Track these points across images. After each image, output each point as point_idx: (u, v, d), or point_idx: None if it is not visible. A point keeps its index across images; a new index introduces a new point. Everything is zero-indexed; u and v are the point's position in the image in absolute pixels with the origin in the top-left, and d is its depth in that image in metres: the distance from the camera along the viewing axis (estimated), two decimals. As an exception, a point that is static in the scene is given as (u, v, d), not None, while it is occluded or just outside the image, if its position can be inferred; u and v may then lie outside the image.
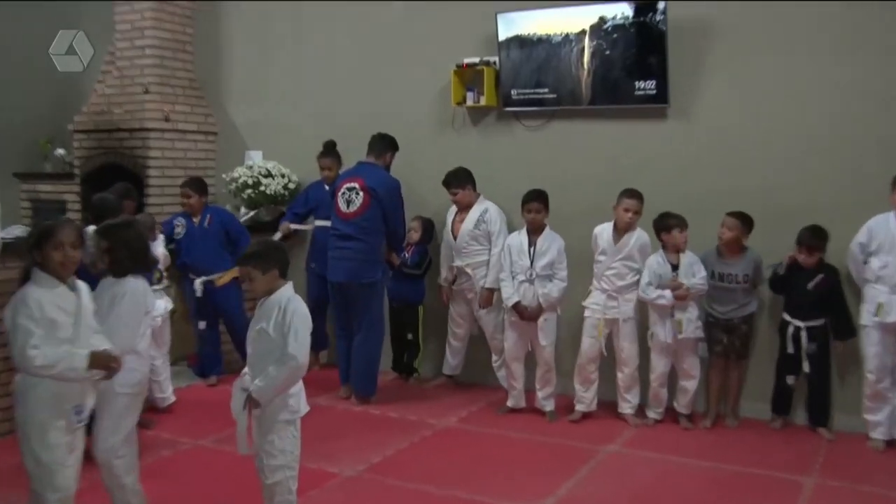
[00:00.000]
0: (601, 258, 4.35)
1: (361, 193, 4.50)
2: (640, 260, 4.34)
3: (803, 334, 4.30)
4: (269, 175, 5.49)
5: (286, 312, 2.81)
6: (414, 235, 5.07)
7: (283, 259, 2.91)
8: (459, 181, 4.83)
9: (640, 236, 4.37)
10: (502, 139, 5.13)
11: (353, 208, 4.52)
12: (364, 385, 4.69)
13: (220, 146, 6.06)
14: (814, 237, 4.23)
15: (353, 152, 5.12)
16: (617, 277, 4.35)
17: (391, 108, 5.41)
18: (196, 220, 4.97)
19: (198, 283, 4.82)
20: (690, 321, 4.32)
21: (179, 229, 4.96)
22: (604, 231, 4.36)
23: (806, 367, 4.32)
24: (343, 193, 4.56)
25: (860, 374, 4.25)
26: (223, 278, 4.84)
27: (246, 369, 2.92)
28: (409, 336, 5.13)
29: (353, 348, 4.69)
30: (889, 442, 4.21)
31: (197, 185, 5.00)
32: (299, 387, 2.90)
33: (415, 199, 5.19)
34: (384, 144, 4.70)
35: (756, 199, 4.49)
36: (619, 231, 4.35)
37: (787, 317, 4.40)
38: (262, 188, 5.46)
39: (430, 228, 5.14)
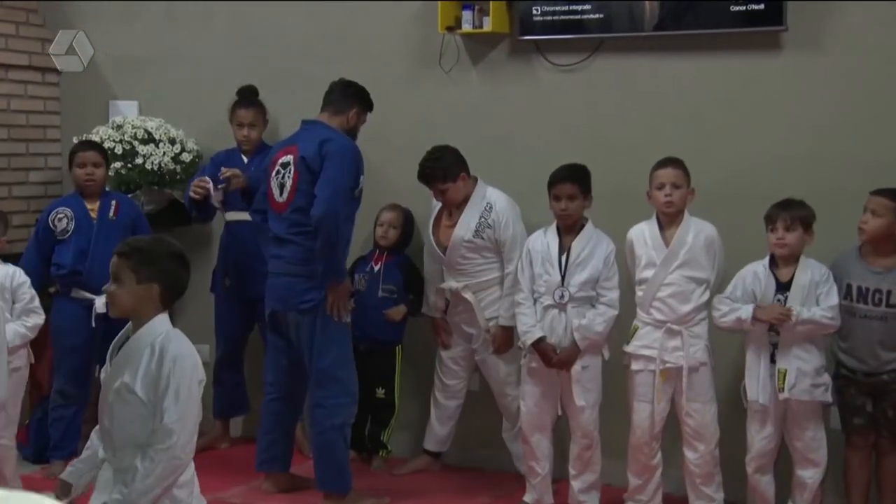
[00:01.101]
0: (646, 274, 4.36)
1: (292, 170, 4.44)
2: (710, 264, 4.34)
3: None
4: (149, 140, 5.43)
5: (163, 360, 2.87)
6: (390, 235, 5.06)
7: (177, 275, 3.01)
8: (447, 171, 4.76)
9: (700, 227, 4.34)
10: (518, 85, 5.06)
11: (284, 196, 4.46)
12: (329, 475, 4.53)
13: (68, 93, 5.97)
14: None
15: (288, 109, 5.23)
16: (678, 300, 4.30)
17: (345, 36, 5.35)
18: (93, 208, 5.00)
19: (100, 303, 4.79)
20: (805, 373, 4.15)
21: (64, 223, 4.96)
22: (642, 233, 4.41)
23: None
24: (276, 174, 4.51)
25: None
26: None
27: (88, 453, 3.05)
28: (381, 392, 5.10)
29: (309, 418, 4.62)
30: None
31: (102, 149, 5.09)
32: (190, 473, 2.97)
33: (382, 180, 5.17)
34: (346, 96, 4.59)
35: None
36: (665, 225, 4.34)
37: None
38: (140, 160, 5.38)
39: (411, 223, 5.16)
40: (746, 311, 4.14)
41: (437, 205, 4.92)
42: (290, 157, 4.46)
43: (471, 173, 4.81)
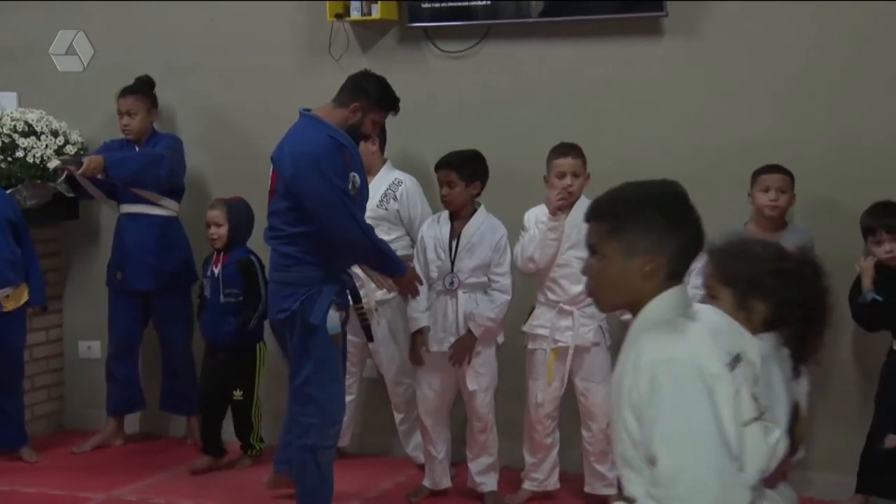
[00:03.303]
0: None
1: (271, 171, 4.11)
2: None
3: None
4: (30, 132, 5.23)
5: None
6: (219, 234, 4.84)
7: None
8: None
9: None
10: (408, 72, 5.00)
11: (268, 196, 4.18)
12: (301, 496, 4.15)
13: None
14: (887, 213, 4.17)
15: (181, 99, 5.22)
16: (570, 280, 4.30)
17: (234, 25, 5.28)
18: None
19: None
20: None
21: None
22: (536, 216, 4.41)
23: None
24: (274, 170, 4.17)
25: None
26: (11, 300, 4.89)
27: None
28: (238, 394, 4.92)
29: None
30: None
31: None
32: None
33: (266, 179, 4.99)
34: (353, 88, 4.10)
35: (800, 158, 4.38)
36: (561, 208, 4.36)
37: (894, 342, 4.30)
38: (21, 154, 5.16)
39: (243, 218, 4.88)
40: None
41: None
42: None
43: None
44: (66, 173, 4.94)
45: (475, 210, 4.43)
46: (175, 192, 5.10)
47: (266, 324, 4.68)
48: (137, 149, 5.08)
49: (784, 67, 4.43)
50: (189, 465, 4.87)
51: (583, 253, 4.12)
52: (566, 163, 4.28)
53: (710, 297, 2.38)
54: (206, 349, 4.96)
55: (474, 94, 4.93)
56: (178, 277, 5.12)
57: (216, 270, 4.81)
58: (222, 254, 4.81)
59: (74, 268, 5.50)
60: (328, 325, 3.95)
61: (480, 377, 4.42)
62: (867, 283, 4.15)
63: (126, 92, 5.10)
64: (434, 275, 4.41)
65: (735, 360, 2.02)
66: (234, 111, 5.24)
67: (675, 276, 2.07)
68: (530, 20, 4.79)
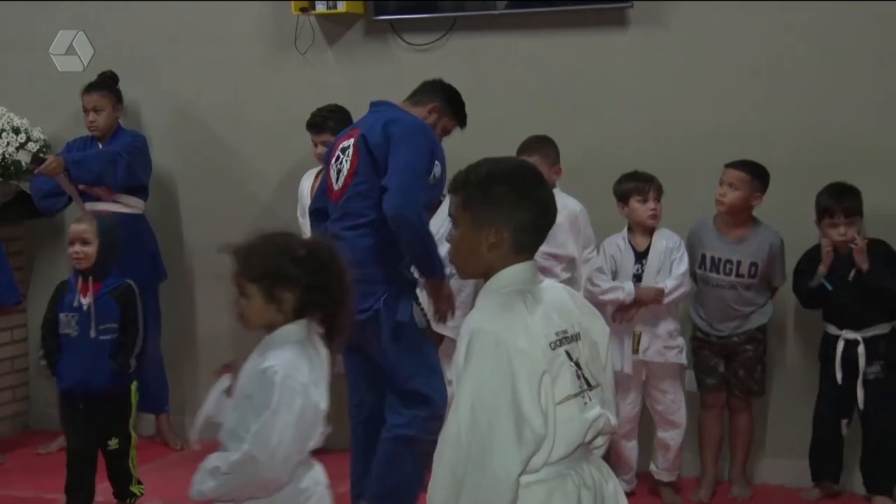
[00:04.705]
0: None
1: (351, 153, 3.80)
2: (573, 241, 4.37)
3: (860, 350, 4.22)
4: None
5: None
6: (85, 254, 3.91)
7: None
8: (340, 124, 4.58)
9: (564, 203, 4.18)
10: (375, 66, 5.04)
11: (340, 182, 3.83)
12: (381, 490, 3.83)
13: None
14: (846, 196, 4.19)
15: (147, 95, 5.21)
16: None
17: (199, 20, 5.26)
18: None
19: None
20: (658, 336, 4.29)
21: None
22: None
23: (860, 400, 4.25)
24: (336, 161, 3.88)
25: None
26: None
27: None
28: (114, 443, 4.04)
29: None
30: None
31: None
32: None
33: (237, 172, 5.14)
34: (431, 90, 4.02)
35: (769, 148, 4.43)
36: None
37: (831, 328, 4.31)
38: None
39: (116, 236, 4.08)
40: (628, 294, 4.21)
41: (311, 172, 4.84)
42: (350, 141, 3.86)
43: None
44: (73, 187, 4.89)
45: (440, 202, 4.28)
46: (139, 189, 5.05)
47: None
48: (101, 146, 5.04)
49: (749, 57, 4.47)
50: (158, 464, 4.82)
51: (549, 248, 4.17)
52: (533, 158, 4.20)
53: (243, 296, 2.48)
54: (63, 397, 4.01)
55: None
56: (146, 275, 5.08)
57: (85, 301, 3.90)
58: (91, 281, 3.92)
59: (39, 267, 5.46)
60: (416, 320, 3.78)
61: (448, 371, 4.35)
62: (823, 268, 4.18)
63: (91, 88, 5.05)
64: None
65: (566, 339, 2.12)
66: (199, 106, 5.22)
67: (523, 249, 2.16)
68: (496, 12, 4.79)
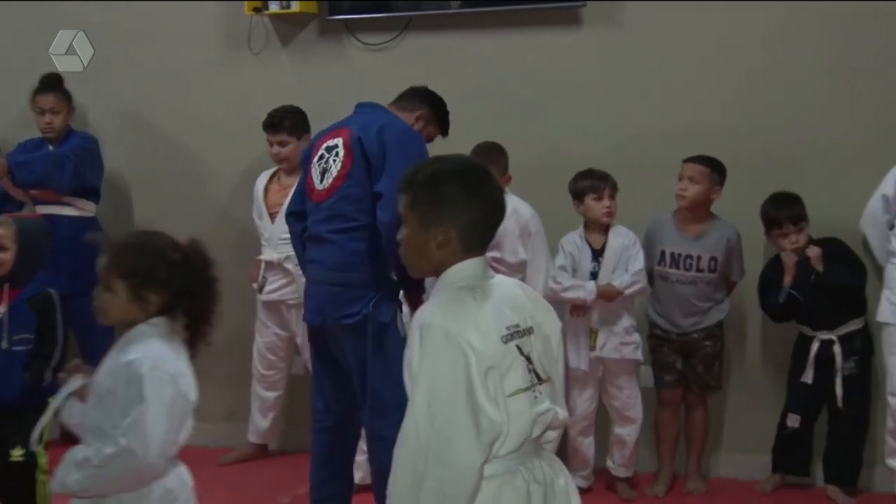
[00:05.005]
0: None
1: (342, 153, 3.66)
2: (521, 246, 4.30)
3: (836, 350, 4.28)
4: None
5: None
6: (4, 260, 3.59)
7: None
8: (297, 124, 4.70)
9: (515, 208, 4.21)
10: (329, 66, 5.04)
11: (326, 182, 3.67)
12: None
13: None
14: (789, 205, 4.25)
15: (97, 97, 5.15)
16: None
17: (151, 20, 5.22)
18: None
19: None
20: (614, 333, 4.32)
21: None
22: None
23: (839, 398, 4.28)
24: (319, 159, 3.71)
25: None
26: None
27: None
28: (18, 454, 3.60)
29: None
30: None
31: None
32: None
33: (191, 174, 5.12)
34: (417, 97, 3.96)
35: (721, 145, 4.45)
36: None
37: (805, 329, 4.37)
38: None
39: (37, 241, 3.80)
40: (589, 293, 4.22)
41: (266, 174, 4.83)
42: (338, 140, 3.72)
43: None
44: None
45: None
46: (90, 192, 4.99)
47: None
48: (51, 147, 4.97)
49: (701, 55, 4.51)
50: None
51: (495, 254, 4.19)
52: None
53: (107, 290, 2.47)
54: None
55: (396, 85, 4.60)
56: (97, 280, 5.01)
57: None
58: (7, 288, 3.62)
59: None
60: (399, 328, 3.62)
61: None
62: (789, 279, 4.21)
63: (46, 89, 5.00)
64: None
65: (518, 333, 2.13)
66: (150, 108, 5.18)
67: (472, 247, 2.17)
68: (450, 11, 4.80)
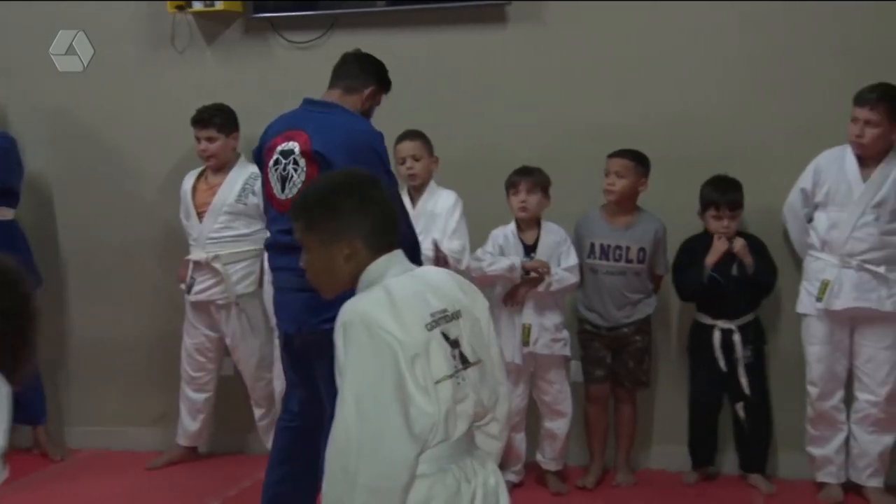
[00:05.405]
0: None
1: (303, 162, 3.54)
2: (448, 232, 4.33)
3: (736, 339, 4.34)
4: None
5: None
6: None
7: None
8: (226, 121, 4.69)
9: (439, 194, 4.39)
10: (255, 64, 5.01)
11: (289, 192, 3.55)
12: None
13: None
14: (731, 189, 4.32)
15: (17, 96, 5.08)
16: None
17: (73, 18, 5.12)
18: None
19: None
20: (546, 329, 4.34)
21: None
22: None
23: (745, 386, 4.37)
24: (275, 164, 3.60)
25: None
26: None
27: None
28: None
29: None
30: (846, 487, 4.26)
31: None
32: None
33: (115, 174, 5.08)
34: (362, 71, 3.80)
35: (646, 141, 4.50)
36: (414, 196, 4.42)
37: (704, 318, 4.42)
38: None
39: None
40: (515, 261, 4.25)
41: (194, 173, 4.78)
42: (294, 146, 3.59)
43: None
44: None
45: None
46: (8, 194, 4.83)
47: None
48: None
49: (625, 52, 4.55)
50: (37, 476, 4.70)
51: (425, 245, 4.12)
52: (405, 147, 4.36)
53: None
54: None
55: (323, 84, 4.60)
56: None
57: None
58: None
59: None
60: None
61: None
62: (712, 261, 4.28)
63: None
64: None
65: (444, 318, 2.15)
66: (72, 108, 5.09)
67: (380, 249, 2.20)
68: (376, 9, 4.79)
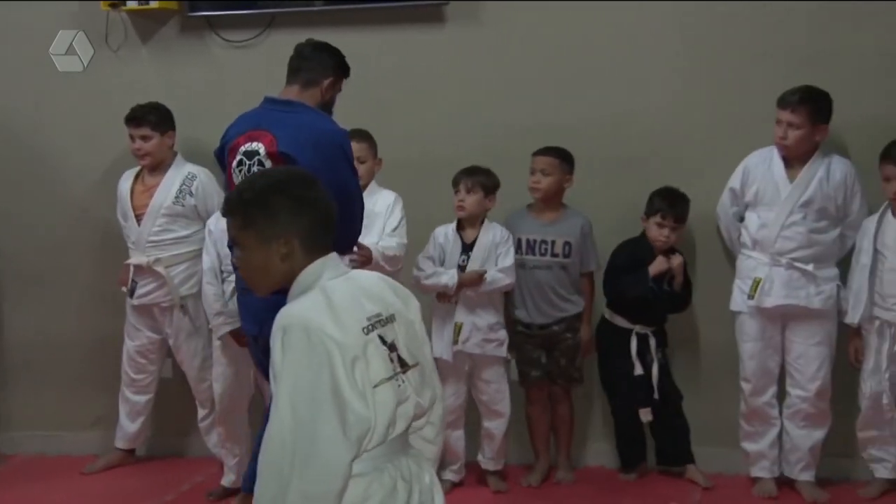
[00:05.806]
0: None
1: (269, 164, 3.50)
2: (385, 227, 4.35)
3: (652, 343, 4.44)
4: None
5: None
6: None
7: None
8: (161, 119, 4.63)
9: (379, 194, 4.39)
10: (191, 63, 4.97)
11: None
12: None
13: None
14: (680, 203, 4.38)
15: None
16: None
17: (2, 15, 5.05)
18: None
19: None
20: (478, 328, 4.36)
21: None
22: None
23: (663, 385, 4.44)
24: (239, 165, 3.58)
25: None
26: None
27: None
28: None
29: None
30: (780, 481, 4.34)
31: None
32: None
33: (50, 173, 5.04)
34: (320, 63, 3.76)
35: (579, 140, 4.55)
36: None
37: (621, 321, 4.47)
38: None
39: None
40: (451, 278, 4.26)
41: (129, 174, 4.72)
42: (259, 146, 3.56)
43: None
44: None
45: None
46: None
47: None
48: None
49: (560, 53, 4.59)
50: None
51: (373, 238, 4.18)
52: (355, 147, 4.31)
53: None
54: None
55: (260, 83, 4.54)
56: None
57: None
58: None
59: None
60: None
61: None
62: (655, 270, 4.31)
63: None
64: (231, 268, 4.22)
65: (379, 323, 2.17)
66: (4, 105, 5.00)
67: (316, 249, 2.20)
68: (315, 8, 4.78)
